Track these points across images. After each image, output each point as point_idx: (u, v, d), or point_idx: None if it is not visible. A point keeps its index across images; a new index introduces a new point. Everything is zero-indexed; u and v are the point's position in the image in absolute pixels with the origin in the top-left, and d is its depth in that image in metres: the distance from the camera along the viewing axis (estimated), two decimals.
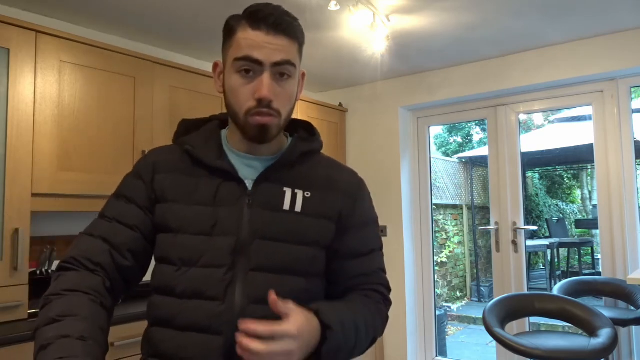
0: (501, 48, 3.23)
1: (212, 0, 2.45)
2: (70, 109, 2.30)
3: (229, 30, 1.02)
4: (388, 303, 1.10)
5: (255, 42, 0.96)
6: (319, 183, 1.06)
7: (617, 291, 2.88)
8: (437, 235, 7.07)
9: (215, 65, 1.07)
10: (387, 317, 1.09)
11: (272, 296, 0.83)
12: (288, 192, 1.02)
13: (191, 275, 0.96)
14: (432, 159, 4.01)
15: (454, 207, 7.65)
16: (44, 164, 2.18)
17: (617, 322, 2.52)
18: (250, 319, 0.83)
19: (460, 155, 8.61)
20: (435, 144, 9.26)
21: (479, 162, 7.95)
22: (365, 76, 3.76)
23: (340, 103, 4.05)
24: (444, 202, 7.42)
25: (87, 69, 2.37)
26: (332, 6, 2.40)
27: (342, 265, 1.06)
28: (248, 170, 1.04)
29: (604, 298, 3.11)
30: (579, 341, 2.18)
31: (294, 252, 0.99)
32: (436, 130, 9.01)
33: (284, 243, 0.99)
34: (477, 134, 9.25)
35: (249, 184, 1.02)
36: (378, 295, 1.07)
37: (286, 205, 1.01)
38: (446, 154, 9.09)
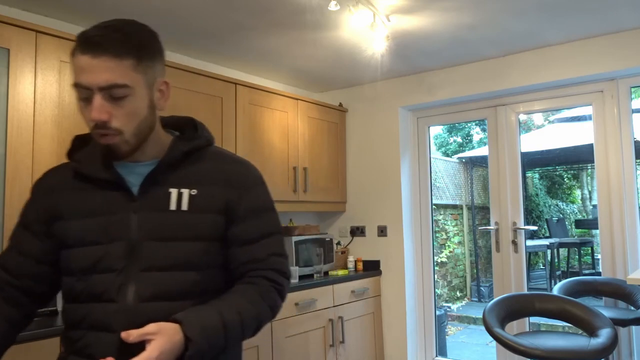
0: (501, 48, 3.23)
1: (212, 0, 2.45)
2: (70, 109, 2.30)
3: (71, 56, 1.02)
4: (280, 287, 1.13)
5: (81, 67, 0.97)
6: (206, 179, 1.10)
7: (617, 291, 2.88)
8: (437, 235, 7.07)
9: None
10: (277, 300, 1.12)
11: (123, 334, 0.92)
12: (174, 193, 1.07)
13: (89, 282, 1.04)
14: (432, 159, 4.01)
15: (454, 207, 7.65)
16: (44, 164, 2.18)
17: (617, 322, 2.52)
18: (144, 316, 0.98)
19: (460, 155, 8.61)
20: (435, 144, 9.26)
21: (479, 162, 7.95)
22: (365, 76, 3.76)
23: (340, 103, 4.05)
24: (444, 202, 7.42)
25: None
26: (332, 6, 2.40)
27: (232, 252, 1.11)
28: (134, 177, 1.09)
29: (604, 298, 3.11)
30: (579, 341, 2.18)
31: (183, 248, 1.05)
32: (436, 130, 9.00)
33: (172, 241, 1.05)
34: (477, 134, 9.25)
35: (136, 190, 1.07)
36: (265, 281, 1.10)
37: (172, 206, 1.06)
38: (446, 154, 9.09)
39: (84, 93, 0.99)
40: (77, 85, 0.98)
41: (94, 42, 0.96)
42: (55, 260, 1.11)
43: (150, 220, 1.05)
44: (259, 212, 1.13)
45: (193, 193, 1.08)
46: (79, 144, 1.15)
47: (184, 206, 1.07)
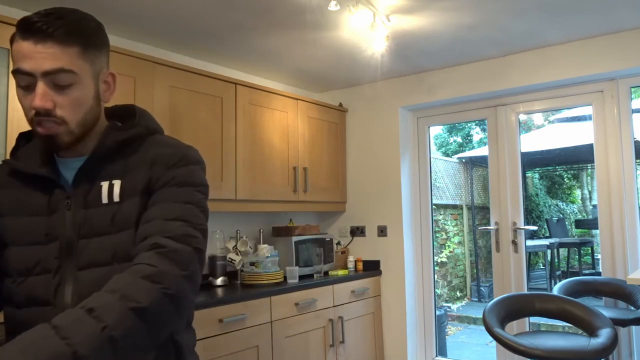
0: (501, 48, 3.23)
1: (212, 0, 2.45)
2: None
3: (11, 43, 0.97)
4: (162, 250, 0.90)
5: (23, 53, 0.93)
6: (135, 166, 1.04)
7: (617, 291, 2.88)
8: (437, 235, 7.07)
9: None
10: (155, 272, 0.86)
11: None
12: (105, 185, 1.02)
13: (26, 284, 0.99)
14: (432, 159, 4.01)
15: (454, 207, 7.65)
16: None
17: (617, 322, 2.52)
18: None
19: (460, 155, 8.61)
20: (435, 144, 9.26)
21: (479, 162, 7.95)
22: (365, 76, 3.76)
23: (340, 103, 4.05)
24: (444, 202, 7.42)
25: None
26: (332, 6, 2.40)
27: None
28: (71, 173, 1.05)
29: (604, 298, 3.11)
30: (579, 341, 2.18)
31: (117, 240, 0.98)
32: (436, 130, 9.00)
33: (107, 235, 0.99)
34: (477, 134, 9.25)
35: (68, 188, 1.03)
36: (138, 266, 0.88)
37: (104, 199, 1.01)
38: (446, 154, 9.09)
39: (25, 80, 0.94)
40: (17, 72, 0.93)
41: (37, 28, 0.92)
42: None
43: (83, 217, 1.00)
44: (175, 184, 1.01)
45: (125, 183, 1.02)
46: (23, 142, 1.11)
47: (116, 197, 1.01)
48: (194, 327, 1.16)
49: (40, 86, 0.93)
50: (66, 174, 1.05)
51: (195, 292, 0.94)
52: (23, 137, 1.12)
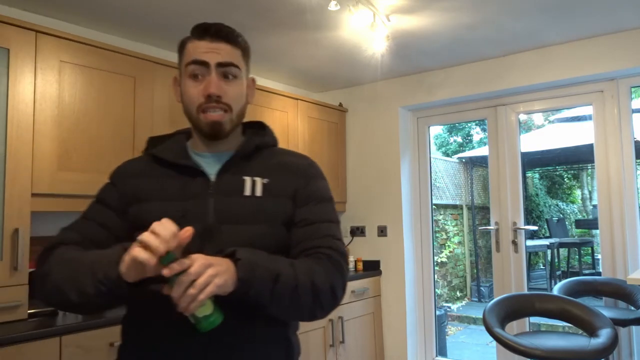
0: (501, 48, 3.23)
1: (212, 0, 2.45)
2: (70, 109, 2.30)
3: (181, 46, 1.18)
4: (335, 261, 1.11)
5: (200, 48, 1.12)
6: (276, 169, 1.19)
7: (617, 291, 2.88)
8: (437, 235, 7.07)
9: (175, 79, 1.22)
10: (335, 273, 1.09)
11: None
12: (248, 180, 1.15)
13: None
14: (432, 159, 4.01)
15: (454, 207, 7.65)
16: (44, 164, 2.18)
17: (617, 322, 2.52)
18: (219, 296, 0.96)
19: (460, 155, 8.61)
20: (435, 144, 9.26)
21: (479, 162, 7.95)
22: (365, 76, 3.76)
23: (340, 103, 4.05)
24: (444, 202, 7.42)
25: (87, 69, 2.37)
26: (332, 6, 2.40)
27: (294, 233, 1.15)
28: (211, 167, 1.17)
29: (604, 298, 3.11)
30: (579, 341, 2.18)
31: (256, 231, 1.10)
32: (436, 130, 9.00)
33: (246, 224, 1.10)
34: (477, 134, 9.25)
35: (213, 177, 1.15)
36: (322, 255, 1.10)
37: (247, 191, 1.14)
38: (446, 154, 9.09)
39: (198, 70, 1.11)
40: (194, 62, 1.11)
41: (213, 31, 1.12)
42: (125, 240, 1.12)
43: (225, 205, 1.11)
44: (320, 200, 1.20)
45: (265, 182, 1.16)
46: (155, 142, 1.25)
47: (258, 192, 1.14)
48: None
49: (213, 77, 1.10)
50: (205, 166, 1.17)
51: (343, 296, 1.14)
52: (153, 139, 1.27)
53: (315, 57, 3.28)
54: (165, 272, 0.90)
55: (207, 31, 1.12)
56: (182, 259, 0.92)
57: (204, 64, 1.10)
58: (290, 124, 3.50)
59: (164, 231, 0.92)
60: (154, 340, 1.07)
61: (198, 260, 0.91)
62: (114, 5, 2.48)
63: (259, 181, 1.16)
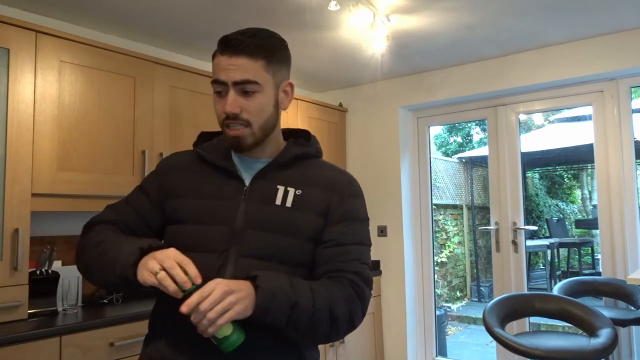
0: (501, 48, 3.23)
1: (212, 0, 2.45)
2: (70, 109, 2.30)
3: (213, 59, 1.16)
4: (359, 289, 1.11)
5: (220, 65, 1.11)
6: (311, 182, 1.18)
7: (617, 291, 2.88)
8: (437, 235, 7.07)
9: None
10: (355, 301, 1.10)
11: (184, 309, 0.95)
12: (280, 189, 1.15)
13: (192, 259, 1.05)
14: (432, 159, 4.01)
15: (454, 207, 7.65)
16: (44, 164, 2.18)
17: (617, 322, 2.52)
18: None
19: (460, 155, 8.61)
20: (435, 144, 9.25)
21: (479, 162, 7.95)
22: (365, 76, 3.76)
23: (340, 103, 4.05)
24: (444, 202, 7.41)
25: (87, 69, 2.37)
26: (332, 6, 2.40)
27: (319, 252, 1.14)
28: (249, 171, 1.19)
29: (604, 298, 3.11)
30: (579, 341, 2.18)
31: (282, 242, 1.11)
32: (436, 130, 9.00)
33: (273, 233, 1.11)
34: (477, 134, 9.25)
35: (248, 182, 1.17)
36: (345, 280, 1.11)
37: (278, 200, 1.14)
38: (446, 154, 9.09)
39: (220, 88, 1.12)
40: (215, 82, 1.12)
41: (232, 44, 1.10)
42: (157, 230, 1.21)
43: (256, 211, 1.13)
44: (353, 220, 1.18)
45: (298, 193, 1.15)
46: (205, 138, 1.28)
47: (288, 203, 1.14)
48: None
49: (231, 94, 1.10)
50: (243, 170, 1.19)
51: (361, 323, 1.16)
52: (204, 134, 1.29)
53: (315, 57, 3.28)
54: (183, 309, 0.94)
55: (227, 45, 1.11)
56: (202, 287, 0.95)
57: (223, 82, 1.11)
58: (291, 124, 3.50)
59: (193, 271, 0.98)
60: (176, 333, 1.09)
61: (219, 287, 0.95)
62: (114, 5, 2.48)
63: (291, 191, 1.16)
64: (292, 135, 1.30)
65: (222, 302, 0.93)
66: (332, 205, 1.16)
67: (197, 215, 1.14)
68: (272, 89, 1.16)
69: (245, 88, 1.11)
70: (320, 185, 1.18)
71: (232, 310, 0.94)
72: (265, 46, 1.14)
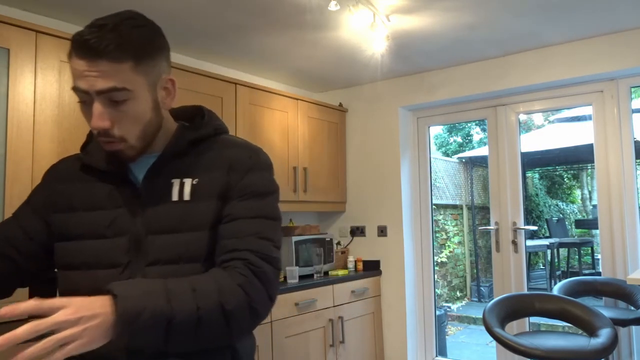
0: (501, 48, 3.23)
1: (212, 0, 2.45)
2: (70, 109, 2.30)
3: (68, 58, 0.97)
4: (256, 269, 0.95)
5: (78, 71, 0.92)
6: (211, 166, 1.05)
7: (617, 291, 2.88)
8: (437, 235, 7.07)
9: None
10: (250, 284, 0.93)
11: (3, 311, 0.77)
12: (176, 183, 1.03)
13: (93, 276, 0.99)
14: (432, 159, 4.01)
15: (454, 207, 7.65)
16: (44, 164, 2.18)
17: (617, 322, 2.52)
18: None
19: (460, 155, 8.61)
20: (435, 144, 9.25)
21: (479, 162, 7.95)
22: (365, 76, 3.76)
23: (340, 103, 4.05)
24: (444, 202, 7.41)
25: None
26: (332, 6, 2.40)
27: (218, 232, 1.01)
28: (140, 170, 1.05)
29: (604, 298, 3.11)
30: (579, 341, 2.18)
31: (187, 240, 0.99)
32: (436, 130, 9.00)
33: (175, 233, 1.00)
34: (477, 134, 9.25)
35: (140, 182, 1.04)
36: (239, 262, 0.96)
37: (175, 196, 1.02)
38: (446, 154, 9.08)
39: (83, 97, 0.95)
40: (75, 89, 0.95)
41: (90, 45, 0.90)
42: (45, 247, 1.08)
43: (153, 213, 1.01)
44: (254, 195, 1.03)
45: (195, 182, 1.03)
46: (90, 139, 1.13)
47: (186, 196, 1.01)
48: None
49: (97, 106, 0.93)
50: (136, 170, 1.06)
51: (270, 310, 0.99)
52: (90, 134, 1.13)
53: (315, 57, 3.28)
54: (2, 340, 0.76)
55: (83, 47, 0.91)
56: (40, 320, 0.76)
57: (84, 92, 0.93)
58: (290, 124, 3.50)
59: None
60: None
61: (60, 315, 0.76)
62: (114, 6, 2.48)
63: (188, 182, 1.02)
64: (186, 116, 1.16)
65: (61, 334, 0.75)
66: (232, 183, 1.03)
67: (90, 230, 1.02)
68: (146, 92, 0.98)
69: (112, 97, 0.93)
70: (219, 168, 1.04)
71: (72, 346, 0.75)
72: (131, 42, 0.93)
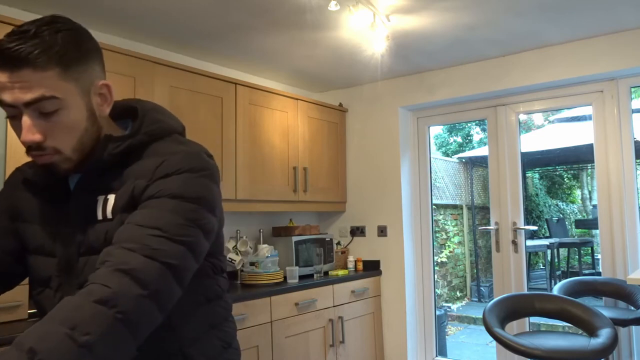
0: (501, 48, 3.23)
1: (212, 0, 2.45)
2: None
3: None
4: (124, 270, 0.79)
5: (1, 83, 0.84)
6: (128, 178, 0.94)
7: (617, 291, 2.88)
8: (437, 235, 7.07)
9: None
10: (112, 295, 0.76)
11: None
12: (100, 200, 0.94)
13: (43, 296, 0.97)
14: (432, 159, 4.01)
15: (454, 207, 7.65)
16: None
17: (617, 322, 2.52)
18: None
19: (460, 155, 8.61)
20: (435, 144, 9.25)
21: (479, 162, 7.95)
22: (365, 76, 3.76)
23: (340, 103, 4.05)
24: (444, 202, 7.41)
25: None
26: (332, 6, 2.40)
27: None
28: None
29: (604, 298, 3.11)
30: (579, 341, 2.18)
31: None
32: (436, 130, 9.00)
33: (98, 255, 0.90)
34: (477, 134, 9.25)
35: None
36: (101, 273, 0.80)
37: (99, 215, 0.93)
38: (446, 154, 9.09)
39: (11, 111, 0.87)
40: (1, 104, 0.86)
41: (10, 55, 0.82)
42: (16, 256, 1.02)
43: (82, 233, 0.93)
44: (163, 198, 0.89)
45: (117, 197, 0.93)
46: None
47: (109, 214, 0.92)
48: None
49: (25, 119, 0.86)
50: (72, 183, 0.99)
51: (164, 310, 0.82)
52: None
53: (315, 57, 3.28)
54: None
55: (4, 57, 0.83)
56: None
57: (11, 105, 0.85)
58: (290, 124, 3.50)
59: None
60: None
61: None
62: (114, 6, 2.48)
63: (111, 199, 0.93)
64: (125, 116, 1.05)
65: None
66: (136, 195, 0.91)
67: (44, 245, 0.97)
68: (79, 99, 0.90)
69: (42, 108, 0.85)
70: (132, 179, 0.93)
71: None
72: (55, 48, 0.85)
